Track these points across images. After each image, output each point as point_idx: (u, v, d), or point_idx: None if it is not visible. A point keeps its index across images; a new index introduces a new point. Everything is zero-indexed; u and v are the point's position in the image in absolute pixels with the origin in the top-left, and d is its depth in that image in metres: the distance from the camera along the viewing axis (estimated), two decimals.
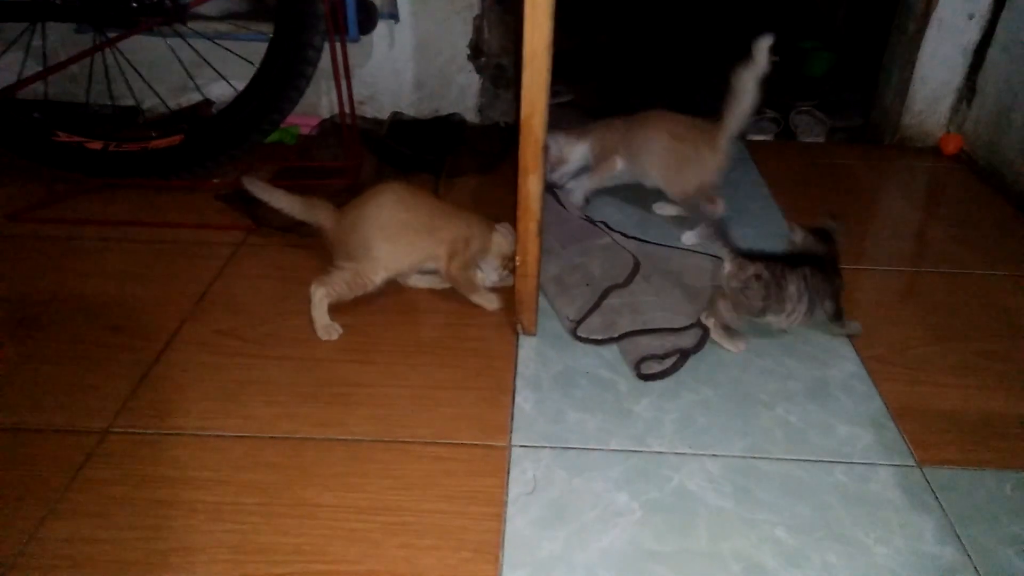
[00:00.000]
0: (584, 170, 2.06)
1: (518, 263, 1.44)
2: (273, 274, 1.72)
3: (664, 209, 2.00)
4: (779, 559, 1.06)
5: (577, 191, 2.02)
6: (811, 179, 2.32)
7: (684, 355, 1.45)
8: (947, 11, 2.30)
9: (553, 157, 2.00)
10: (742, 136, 2.55)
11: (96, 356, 1.44)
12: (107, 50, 2.06)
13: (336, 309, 1.52)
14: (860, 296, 1.69)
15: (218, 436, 1.25)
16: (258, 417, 1.29)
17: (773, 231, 1.94)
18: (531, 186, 1.36)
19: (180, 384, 1.37)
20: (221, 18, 2.19)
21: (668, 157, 1.90)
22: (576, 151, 2.04)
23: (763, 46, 1.67)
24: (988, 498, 1.17)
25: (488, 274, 1.66)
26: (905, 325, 1.59)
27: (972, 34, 2.33)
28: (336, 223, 1.57)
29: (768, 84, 2.86)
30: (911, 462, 1.24)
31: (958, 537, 1.10)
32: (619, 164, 1.99)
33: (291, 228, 1.86)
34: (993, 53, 2.29)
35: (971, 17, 2.30)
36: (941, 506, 1.15)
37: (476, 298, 1.61)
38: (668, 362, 1.43)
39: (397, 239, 1.54)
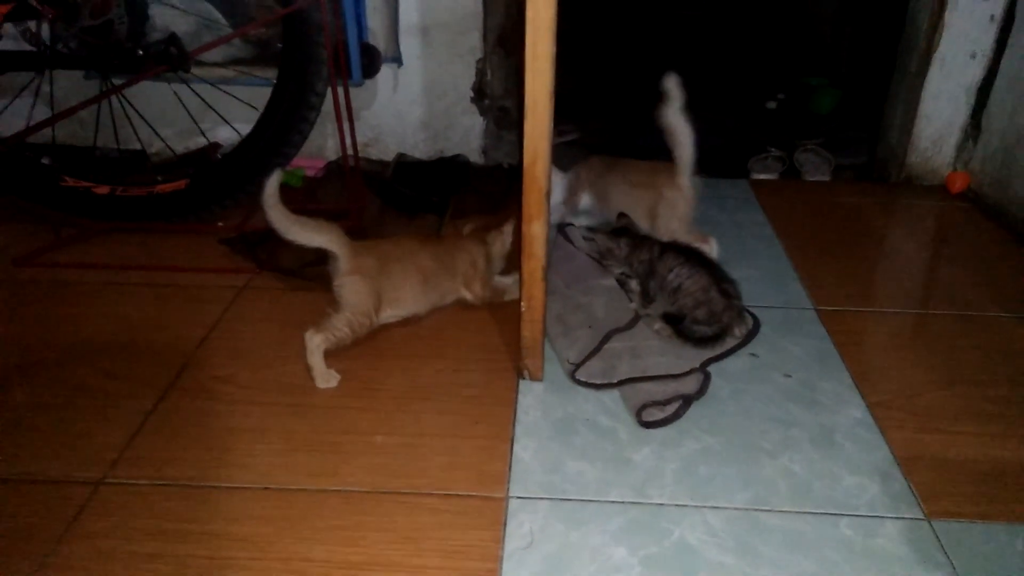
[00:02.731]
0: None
1: (523, 309, 1.43)
2: (275, 318, 1.71)
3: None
4: None
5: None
6: (817, 218, 2.30)
7: (686, 401, 1.43)
8: (949, 50, 2.30)
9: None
10: (747, 175, 2.56)
11: (94, 404, 1.43)
12: (114, 96, 2.09)
13: (334, 354, 1.51)
14: (866, 339, 1.67)
15: (212, 487, 1.24)
16: (252, 467, 1.28)
17: (778, 271, 1.93)
18: (535, 231, 1.35)
19: (176, 432, 1.36)
20: (226, 64, 2.22)
21: (635, 205, 1.92)
22: (557, 182, 2.10)
23: (672, 82, 1.79)
24: (1000, 554, 1.13)
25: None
26: (913, 369, 1.56)
27: (975, 73, 2.33)
28: (356, 258, 1.52)
29: (773, 122, 2.87)
30: (919, 515, 1.20)
31: None
32: (583, 201, 2.09)
33: (294, 272, 1.86)
34: (997, 92, 2.29)
35: (973, 56, 2.30)
36: (951, 562, 1.11)
37: (508, 296, 1.76)
38: (670, 409, 1.41)
39: (429, 282, 1.63)
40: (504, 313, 1.71)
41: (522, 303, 1.43)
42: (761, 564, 1.11)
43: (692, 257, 1.65)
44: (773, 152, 2.63)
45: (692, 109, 1.82)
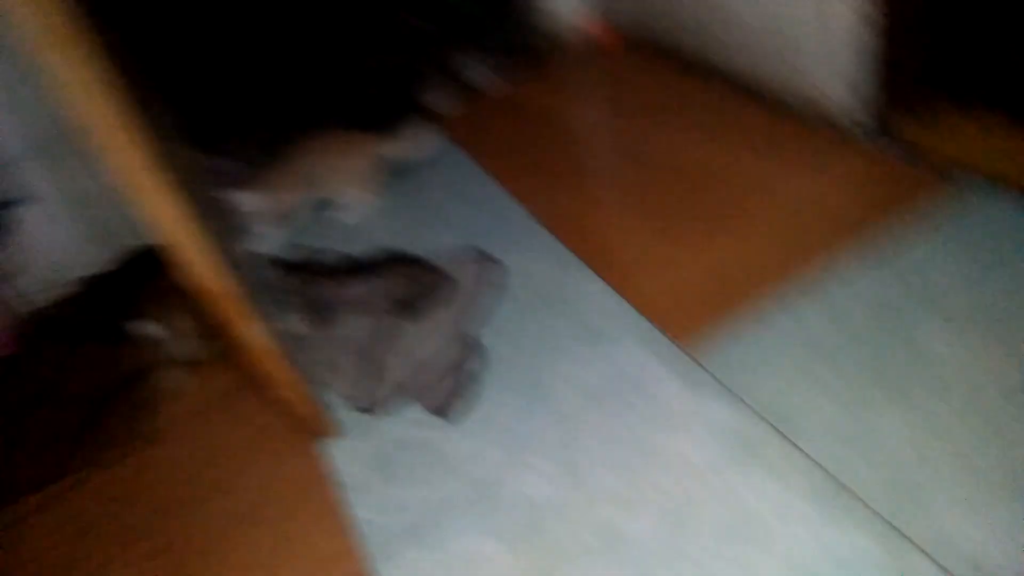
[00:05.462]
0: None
1: (274, 389, 1.41)
2: None
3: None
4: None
5: (268, 241, 2.05)
6: (507, 131, 2.28)
7: (464, 372, 1.50)
8: None
9: (251, 214, 2.06)
10: (424, 112, 2.48)
11: None
12: None
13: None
14: (603, 235, 1.77)
15: None
16: None
17: (497, 204, 1.97)
18: (252, 336, 1.31)
19: None
20: None
21: (321, 168, 2.07)
22: (255, 201, 2.08)
23: None
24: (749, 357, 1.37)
25: None
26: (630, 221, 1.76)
27: None
28: None
29: (423, 43, 2.68)
30: (667, 338, 1.40)
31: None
32: (289, 202, 2.10)
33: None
34: None
35: None
36: (715, 378, 1.33)
37: None
38: (457, 385, 1.48)
39: None
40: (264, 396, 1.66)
41: (272, 389, 1.41)
42: (591, 489, 1.26)
43: (365, 267, 1.71)
44: (437, 77, 2.55)
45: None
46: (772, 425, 1.24)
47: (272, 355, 1.36)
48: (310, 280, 1.70)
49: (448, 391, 1.48)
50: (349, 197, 2.06)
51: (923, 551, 1.04)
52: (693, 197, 1.77)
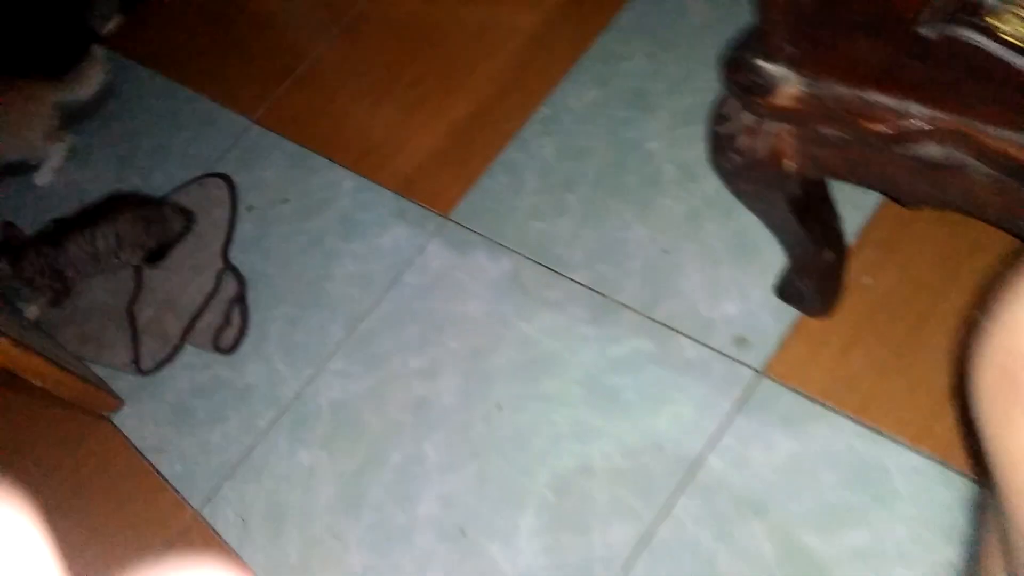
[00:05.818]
0: None
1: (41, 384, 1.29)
2: None
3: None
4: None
5: None
6: (194, 30, 2.03)
7: (239, 301, 1.45)
8: None
9: None
10: (99, 41, 2.20)
11: None
12: None
13: None
14: (300, 115, 1.72)
15: None
16: None
17: (218, 125, 1.81)
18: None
19: None
20: None
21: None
22: None
23: None
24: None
25: None
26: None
27: None
28: None
29: None
30: (436, 213, 1.43)
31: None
32: None
33: None
34: None
35: None
36: (479, 234, 1.38)
37: None
38: (236, 319, 1.44)
39: None
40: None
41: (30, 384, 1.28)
42: (383, 372, 1.29)
43: (92, 218, 1.53)
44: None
45: None
46: (537, 262, 1.30)
47: (9, 353, 1.23)
48: (26, 259, 1.50)
49: (223, 324, 1.42)
50: (35, 155, 1.80)
51: (690, 337, 1.15)
52: (418, 60, 1.70)
